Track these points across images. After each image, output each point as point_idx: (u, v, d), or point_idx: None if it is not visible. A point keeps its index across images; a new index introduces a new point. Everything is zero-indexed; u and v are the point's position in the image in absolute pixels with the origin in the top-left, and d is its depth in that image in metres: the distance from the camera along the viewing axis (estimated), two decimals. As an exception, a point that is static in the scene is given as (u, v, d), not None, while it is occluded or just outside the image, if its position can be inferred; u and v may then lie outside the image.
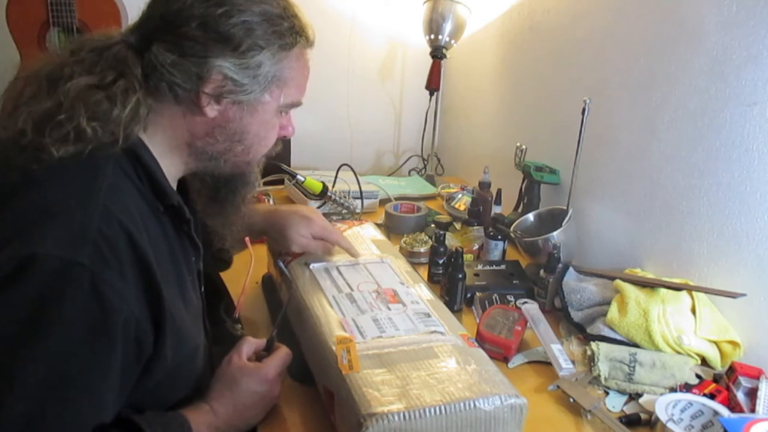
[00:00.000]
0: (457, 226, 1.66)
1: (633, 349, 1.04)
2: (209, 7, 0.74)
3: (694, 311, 1.11)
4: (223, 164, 0.84)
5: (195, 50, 0.74)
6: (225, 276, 1.18)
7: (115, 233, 0.67)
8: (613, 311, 1.11)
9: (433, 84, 2.11)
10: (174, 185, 0.84)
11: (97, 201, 0.68)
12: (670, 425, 0.88)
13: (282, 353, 0.91)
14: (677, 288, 1.14)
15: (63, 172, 0.69)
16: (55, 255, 0.62)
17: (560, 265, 1.26)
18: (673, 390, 0.99)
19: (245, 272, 1.12)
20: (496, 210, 1.60)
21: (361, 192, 1.69)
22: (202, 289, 0.95)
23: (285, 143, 1.99)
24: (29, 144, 0.69)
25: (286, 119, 0.88)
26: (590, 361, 1.04)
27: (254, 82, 0.78)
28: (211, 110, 0.78)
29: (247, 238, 1.09)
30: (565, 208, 1.42)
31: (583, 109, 1.32)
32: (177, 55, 0.74)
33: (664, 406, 0.92)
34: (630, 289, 1.14)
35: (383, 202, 1.81)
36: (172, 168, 0.82)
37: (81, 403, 0.65)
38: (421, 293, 1.04)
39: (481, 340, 1.07)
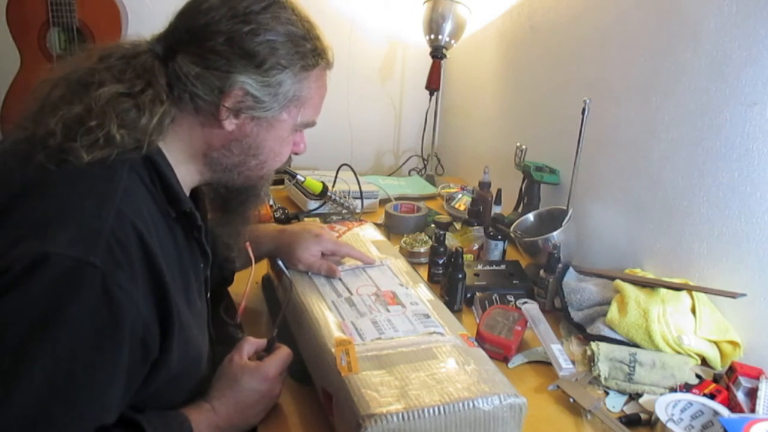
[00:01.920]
0: (457, 226, 1.66)
1: (633, 349, 1.04)
2: (236, 24, 0.76)
3: (694, 311, 1.11)
4: (236, 176, 0.85)
5: (219, 64, 0.76)
6: (225, 277, 1.19)
7: (128, 235, 0.68)
8: (613, 311, 1.11)
9: (433, 84, 2.11)
10: (188, 193, 0.85)
11: (111, 203, 0.69)
12: (670, 425, 0.88)
13: (283, 353, 0.91)
14: (677, 288, 1.14)
15: (79, 174, 0.70)
16: (68, 254, 0.63)
17: (560, 265, 1.26)
18: (673, 390, 0.99)
19: (246, 275, 1.12)
20: (496, 210, 1.60)
21: (361, 192, 1.69)
22: (208, 295, 0.95)
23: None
24: (57, 145, 0.71)
25: (299, 136, 0.90)
26: (590, 361, 1.04)
27: (274, 100, 0.79)
28: (230, 124, 0.79)
29: (248, 244, 1.09)
30: (565, 208, 1.42)
31: (583, 109, 1.32)
32: (201, 68, 0.76)
33: (664, 406, 0.92)
34: (630, 289, 1.14)
35: (383, 202, 1.81)
36: (186, 176, 0.83)
37: (86, 403, 0.65)
38: (420, 294, 1.04)
39: (481, 340, 1.07)
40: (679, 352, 1.05)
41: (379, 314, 0.96)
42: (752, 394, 0.95)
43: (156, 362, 0.72)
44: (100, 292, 0.64)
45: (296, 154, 0.92)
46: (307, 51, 0.81)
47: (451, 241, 1.53)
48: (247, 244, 1.09)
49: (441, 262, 1.34)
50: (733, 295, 1.08)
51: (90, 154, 0.70)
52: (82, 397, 0.65)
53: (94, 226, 0.66)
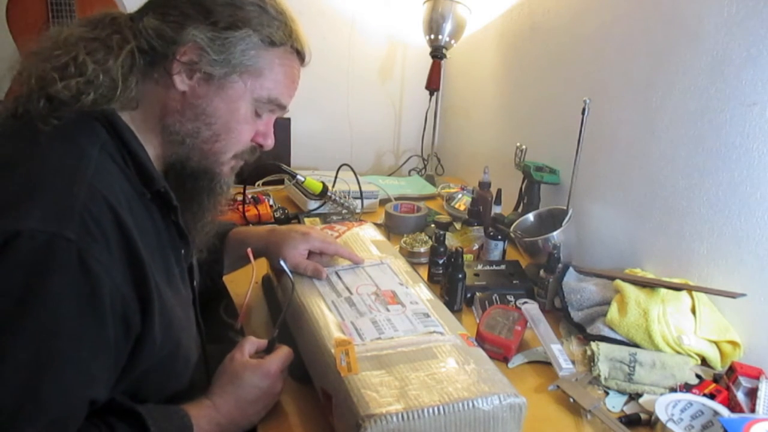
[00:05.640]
0: (457, 226, 1.66)
1: (633, 349, 1.04)
2: None
3: (694, 311, 1.11)
4: (191, 150, 0.83)
5: (176, 17, 0.78)
6: (226, 277, 1.19)
7: (101, 210, 0.68)
8: (613, 311, 1.11)
9: (433, 84, 2.11)
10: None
11: (83, 179, 0.69)
12: (670, 425, 0.88)
13: (284, 351, 0.92)
14: (677, 288, 1.14)
15: (49, 150, 0.71)
16: (41, 230, 0.63)
17: (560, 265, 1.26)
18: (673, 390, 0.99)
19: (247, 276, 1.12)
20: (496, 210, 1.60)
21: (361, 192, 1.69)
22: (195, 283, 0.95)
23: (285, 143, 2.00)
24: (35, 85, 0.72)
25: (266, 126, 0.88)
26: (590, 361, 1.04)
27: (224, 58, 0.79)
28: (181, 82, 0.79)
29: (249, 250, 1.09)
30: (565, 208, 1.42)
31: (583, 109, 1.32)
32: (159, 21, 0.78)
33: (664, 406, 0.92)
34: (630, 289, 1.14)
35: (383, 202, 1.81)
36: (151, 152, 0.82)
37: (72, 377, 0.65)
38: (420, 294, 1.04)
39: (481, 340, 1.07)
40: (679, 352, 1.05)
41: (379, 314, 0.96)
42: (752, 394, 0.95)
43: (139, 338, 0.72)
44: (77, 266, 0.64)
45: (261, 146, 0.89)
46: (273, 25, 0.81)
47: (451, 241, 1.53)
48: (249, 250, 1.09)
49: (441, 262, 1.34)
50: (733, 295, 1.08)
51: (64, 81, 0.72)
52: (68, 371, 0.65)
53: (67, 201, 0.66)
